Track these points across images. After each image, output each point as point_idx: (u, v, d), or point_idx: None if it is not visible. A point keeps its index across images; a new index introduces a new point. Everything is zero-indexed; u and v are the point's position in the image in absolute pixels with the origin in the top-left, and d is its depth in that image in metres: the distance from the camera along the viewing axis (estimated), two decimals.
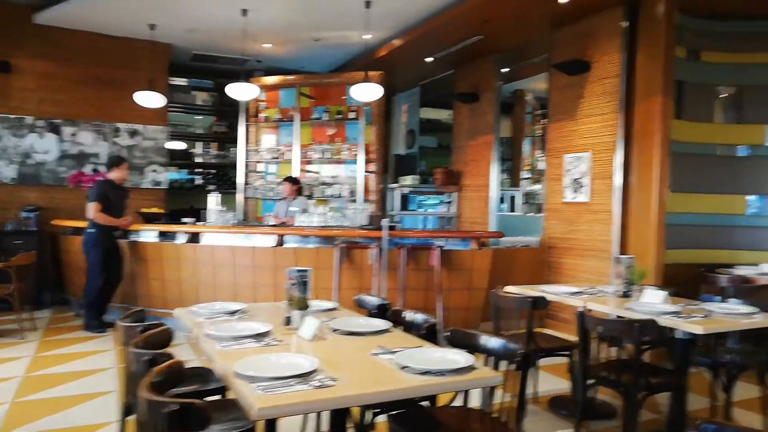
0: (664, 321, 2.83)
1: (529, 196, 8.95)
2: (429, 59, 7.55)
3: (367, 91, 5.86)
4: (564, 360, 3.64)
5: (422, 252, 5.33)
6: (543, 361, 4.60)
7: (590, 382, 3.08)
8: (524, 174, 9.21)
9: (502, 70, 7.46)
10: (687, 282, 5.07)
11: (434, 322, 2.54)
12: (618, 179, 5.37)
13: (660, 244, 4.94)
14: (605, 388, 3.26)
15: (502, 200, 8.85)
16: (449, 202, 8.04)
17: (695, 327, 2.71)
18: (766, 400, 3.38)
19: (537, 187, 8.77)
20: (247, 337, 2.18)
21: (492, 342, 2.21)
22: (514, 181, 9.06)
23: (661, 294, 3.25)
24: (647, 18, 5.00)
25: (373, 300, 3.05)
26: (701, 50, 5.67)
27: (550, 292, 3.65)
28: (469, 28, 6.33)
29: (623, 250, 5.31)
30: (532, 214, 8.30)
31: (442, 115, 9.72)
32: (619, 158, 5.37)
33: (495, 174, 7.25)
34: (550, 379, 4.34)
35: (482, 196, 7.41)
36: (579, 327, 2.98)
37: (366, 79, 5.99)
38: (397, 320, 2.76)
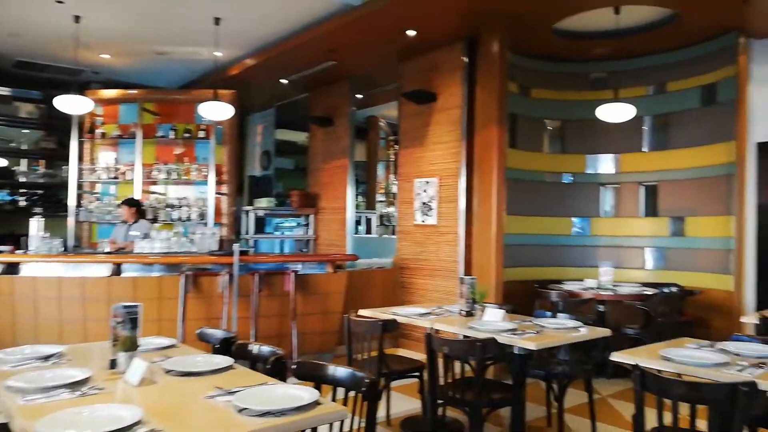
0: (503, 339, 3.00)
1: (384, 219, 9.19)
2: (284, 81, 7.48)
3: (216, 110, 5.62)
4: (416, 380, 3.72)
5: (276, 277, 5.18)
6: (396, 383, 4.69)
7: (439, 402, 3.16)
8: (379, 197, 9.45)
9: (357, 96, 7.63)
10: (524, 297, 5.49)
11: (281, 354, 2.43)
12: (462, 203, 5.70)
13: (499, 263, 5.30)
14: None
15: (358, 222, 8.98)
16: (306, 225, 7.96)
17: (529, 343, 2.90)
18: (593, 405, 3.73)
19: (391, 209, 9.04)
20: (59, 387, 1.89)
21: (339, 372, 2.16)
22: (369, 203, 9.25)
23: (500, 312, 3.45)
24: (484, 55, 5.41)
25: (216, 333, 2.86)
26: (531, 87, 6.28)
27: (401, 314, 3.72)
28: (320, 54, 6.38)
29: (468, 269, 5.62)
30: (388, 235, 8.53)
31: (299, 137, 9.67)
32: (462, 184, 5.71)
33: (351, 197, 7.32)
34: (403, 401, 4.40)
35: (339, 218, 7.44)
36: (426, 349, 3.05)
37: (215, 98, 5.75)
38: (243, 354, 2.61)
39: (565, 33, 5.61)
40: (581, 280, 5.67)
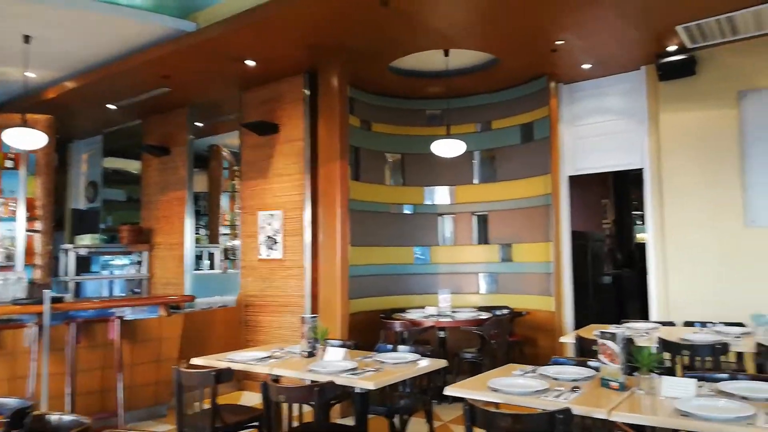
0: (341, 380, 2.93)
1: (229, 252, 8.77)
2: (111, 106, 6.88)
3: (24, 137, 4.95)
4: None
5: (98, 325, 4.63)
6: None
7: None
8: (224, 230, 9.03)
9: (197, 124, 7.26)
10: (370, 328, 5.53)
11: (86, 424, 2.11)
12: (308, 236, 5.62)
13: (344, 295, 5.28)
14: None
15: (200, 257, 8.48)
16: (139, 263, 7.31)
17: (367, 383, 2.87)
18: None
19: (237, 242, 8.67)
20: None
21: None
22: (212, 237, 8.79)
23: (341, 351, 3.39)
24: (324, 89, 5.44)
25: (10, 402, 2.42)
26: (372, 121, 6.45)
27: (238, 360, 3.49)
28: (152, 80, 5.97)
29: (314, 303, 5.53)
30: (234, 270, 8.14)
31: (132, 165, 8.93)
32: (307, 216, 5.64)
33: (190, 231, 6.88)
34: None
35: (176, 254, 6.93)
36: (263, 398, 2.88)
37: (24, 123, 5.06)
38: (41, 428, 2.23)
39: (401, 71, 5.87)
40: (423, 308, 5.86)
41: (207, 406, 3.23)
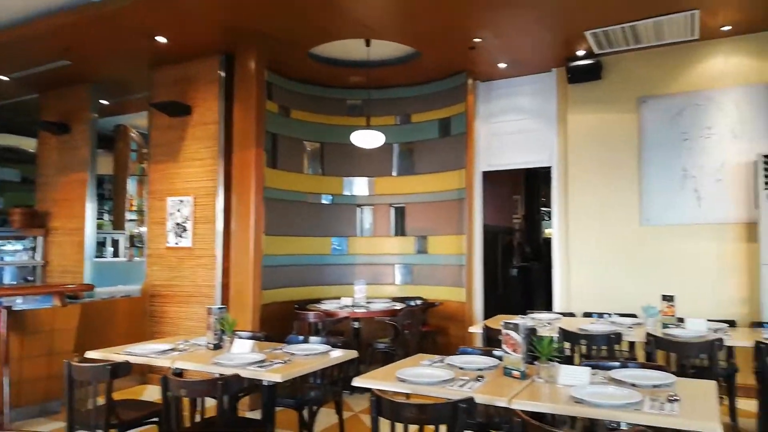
0: (247, 373, 2.85)
1: (136, 239, 8.32)
2: (4, 78, 6.29)
3: None
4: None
5: None
6: (137, 430, 4.20)
7: None
8: (130, 215, 8.54)
9: (101, 102, 6.80)
10: (284, 319, 5.44)
11: None
12: (220, 224, 5.42)
13: (257, 286, 5.15)
14: None
15: (103, 244, 8.00)
16: (33, 248, 6.77)
17: (274, 376, 2.80)
18: (343, 425, 3.80)
19: (144, 229, 8.23)
20: None
21: None
22: (117, 223, 8.29)
23: (249, 343, 3.30)
24: (241, 72, 5.26)
25: None
26: (291, 108, 6.31)
27: (138, 353, 3.31)
28: (51, 51, 5.52)
29: (225, 293, 5.35)
30: (141, 258, 7.72)
31: (28, 143, 8.24)
32: (220, 204, 5.43)
33: (91, 215, 6.44)
34: None
35: (76, 240, 6.47)
36: (162, 394, 2.74)
37: None
38: None
39: (322, 59, 5.77)
40: (339, 299, 5.84)
41: (102, 402, 3.04)
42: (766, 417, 3.53)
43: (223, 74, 5.48)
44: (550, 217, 6.82)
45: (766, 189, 4.73)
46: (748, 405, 4.42)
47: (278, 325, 5.30)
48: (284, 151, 6.20)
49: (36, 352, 4.55)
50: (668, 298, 4.19)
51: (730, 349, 4.18)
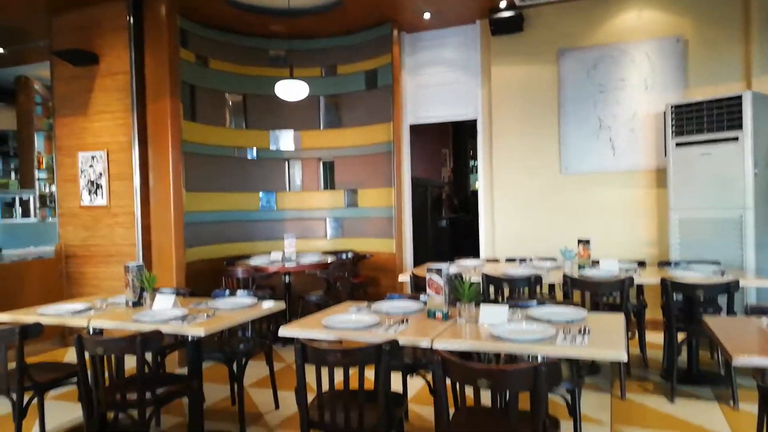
0: (168, 328, 2.77)
1: (47, 199, 7.82)
2: None
3: None
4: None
5: None
6: (59, 392, 4.04)
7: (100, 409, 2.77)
8: (40, 174, 7.98)
9: None
10: (211, 276, 5.33)
11: None
12: (137, 181, 5.16)
13: (179, 243, 5.00)
14: None
15: (11, 204, 7.47)
16: None
17: (198, 330, 2.74)
18: (274, 376, 3.81)
19: (55, 188, 7.74)
20: None
21: None
22: (25, 181, 7.73)
23: (171, 298, 3.21)
24: (151, 17, 4.92)
25: None
26: (210, 57, 6.00)
27: (50, 313, 3.14)
28: None
29: (147, 252, 5.15)
30: (53, 219, 7.28)
31: None
32: (136, 159, 5.16)
33: None
34: (67, 409, 3.81)
35: None
36: (77, 352, 2.62)
37: None
38: None
39: (240, 5, 5.49)
40: (269, 254, 5.76)
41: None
42: (670, 347, 3.84)
43: (131, 20, 5.10)
44: (477, 171, 6.96)
45: (674, 138, 5.01)
46: (656, 338, 4.79)
47: (205, 283, 5.18)
48: (204, 104, 5.93)
49: None
50: (584, 242, 4.41)
51: (640, 287, 4.48)
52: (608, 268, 4.24)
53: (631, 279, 3.79)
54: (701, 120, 4.85)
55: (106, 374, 2.69)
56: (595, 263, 4.44)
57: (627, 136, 5.48)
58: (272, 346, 3.88)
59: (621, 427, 3.27)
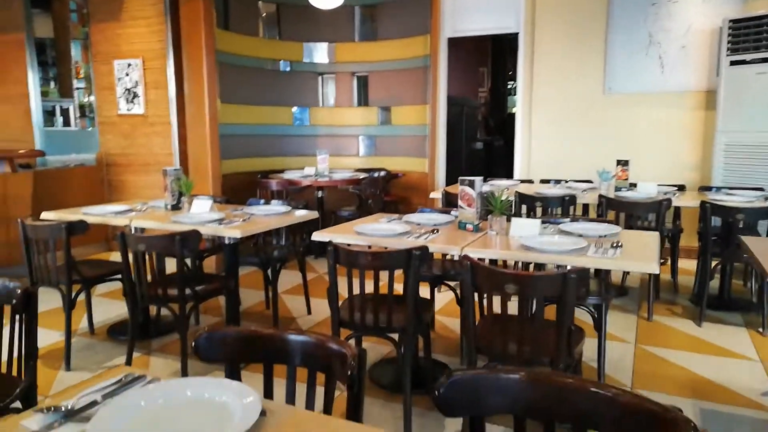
0: (206, 230, 2.86)
1: (86, 109, 7.94)
2: None
3: None
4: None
5: None
6: (103, 287, 4.28)
7: (143, 303, 2.93)
8: (78, 84, 8.07)
9: None
10: (245, 189, 5.42)
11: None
12: (172, 89, 5.17)
13: (215, 154, 5.06)
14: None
15: (52, 113, 7.62)
16: None
17: (233, 231, 2.82)
18: (307, 284, 3.94)
19: (94, 98, 7.83)
20: None
21: None
22: (64, 90, 7.84)
23: (208, 203, 3.29)
24: None
25: None
26: None
27: (94, 213, 3.27)
28: None
29: (184, 162, 5.25)
30: (94, 128, 7.43)
31: None
32: (171, 67, 5.14)
33: (33, 81, 6.03)
34: (113, 306, 4.05)
35: (20, 108, 6.11)
36: (121, 248, 2.75)
37: None
38: None
39: None
40: (302, 169, 5.80)
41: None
42: (703, 271, 3.79)
43: None
44: (515, 93, 6.73)
45: (728, 56, 4.71)
46: (688, 265, 4.74)
47: (239, 195, 5.27)
48: (236, 12, 5.79)
49: None
50: (623, 163, 4.29)
51: (677, 210, 4.39)
52: (646, 190, 4.14)
53: (669, 201, 3.70)
54: (760, 36, 4.52)
55: (149, 275, 2.82)
56: (633, 186, 4.34)
57: (677, 54, 5.17)
58: (305, 257, 3.99)
59: (645, 346, 3.31)
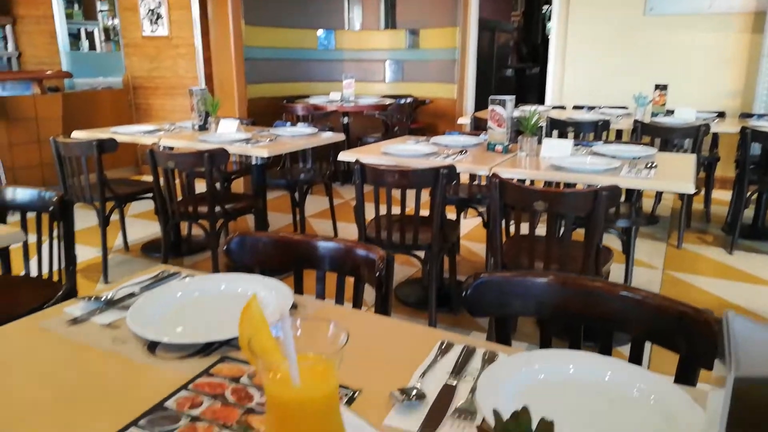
0: (234, 149, 2.87)
1: (111, 32, 7.85)
2: None
3: None
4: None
5: None
6: (135, 208, 4.39)
7: (174, 220, 3.00)
8: (102, 5, 7.94)
9: None
10: (270, 114, 5.37)
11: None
12: (195, 10, 5.06)
13: (241, 77, 5.00)
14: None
15: (77, 36, 7.57)
16: (4, 38, 6.39)
17: (260, 151, 2.82)
18: (333, 208, 3.95)
19: (118, 21, 7.71)
20: None
21: (20, 194, 1.81)
22: (88, 13, 7.74)
23: (234, 123, 3.28)
24: None
25: None
26: None
27: (123, 132, 3.30)
28: None
29: (209, 85, 5.21)
30: (119, 52, 7.37)
31: None
32: None
33: (58, 2, 5.96)
34: (145, 225, 4.16)
35: (46, 30, 6.09)
36: (151, 165, 2.78)
37: None
38: None
39: None
40: (327, 94, 5.72)
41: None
42: (738, 199, 3.68)
43: None
44: (550, 18, 6.41)
45: None
46: (723, 195, 4.62)
47: (265, 120, 5.24)
48: None
49: (24, 138, 4.54)
50: (661, 87, 4.11)
51: (715, 137, 4.23)
52: (684, 116, 3.99)
53: (707, 126, 3.56)
54: None
55: (179, 193, 2.86)
56: (670, 112, 4.17)
57: None
58: (332, 183, 3.98)
59: (674, 272, 3.29)
